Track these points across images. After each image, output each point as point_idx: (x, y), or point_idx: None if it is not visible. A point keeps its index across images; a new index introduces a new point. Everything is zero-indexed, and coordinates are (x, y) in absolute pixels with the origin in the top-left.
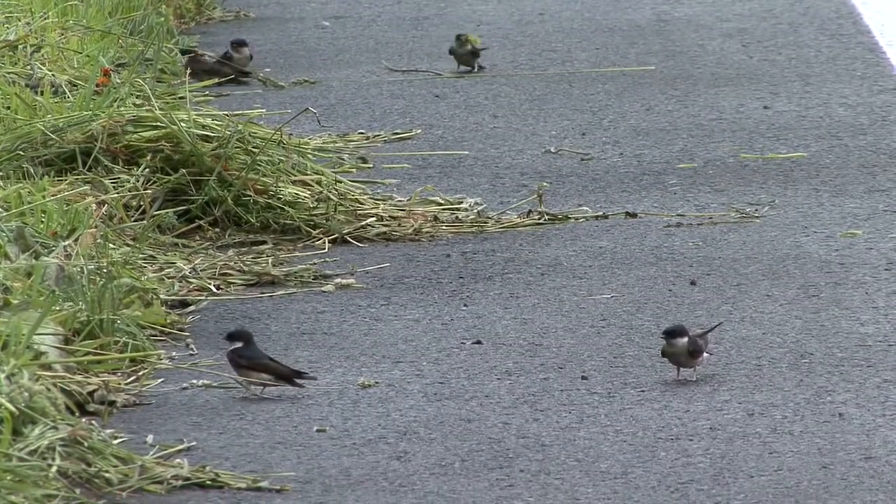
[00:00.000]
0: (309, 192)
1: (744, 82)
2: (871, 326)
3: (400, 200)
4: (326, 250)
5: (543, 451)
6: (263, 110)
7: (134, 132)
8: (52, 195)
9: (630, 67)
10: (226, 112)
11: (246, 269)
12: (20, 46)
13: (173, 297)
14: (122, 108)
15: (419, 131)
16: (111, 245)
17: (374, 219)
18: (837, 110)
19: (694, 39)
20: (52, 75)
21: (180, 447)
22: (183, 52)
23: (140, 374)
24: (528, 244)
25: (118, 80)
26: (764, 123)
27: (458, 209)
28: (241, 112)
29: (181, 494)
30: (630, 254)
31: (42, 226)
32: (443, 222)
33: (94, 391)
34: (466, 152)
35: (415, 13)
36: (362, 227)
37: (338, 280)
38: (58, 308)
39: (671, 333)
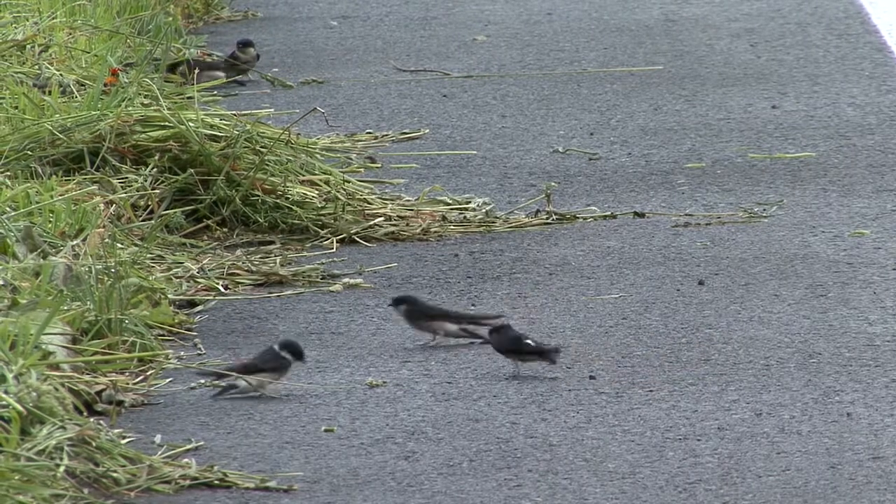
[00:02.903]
0: (317, 192)
1: (752, 82)
2: (880, 326)
3: (408, 200)
4: (334, 250)
5: (551, 451)
6: (272, 110)
7: (142, 132)
8: (60, 195)
9: (638, 67)
10: (234, 112)
11: (254, 268)
12: (28, 46)
13: (181, 297)
14: (130, 108)
15: (427, 131)
16: (119, 245)
17: (382, 218)
18: (846, 110)
19: (702, 39)
20: (60, 75)
21: (188, 447)
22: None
23: (148, 373)
24: (536, 244)
25: (126, 80)
26: (772, 123)
27: (466, 209)
28: (249, 112)
29: (189, 494)
30: (638, 253)
31: (50, 225)
32: (451, 222)
33: (101, 391)
34: (474, 152)
35: (423, 13)
36: (370, 226)
37: (346, 280)
38: (66, 308)
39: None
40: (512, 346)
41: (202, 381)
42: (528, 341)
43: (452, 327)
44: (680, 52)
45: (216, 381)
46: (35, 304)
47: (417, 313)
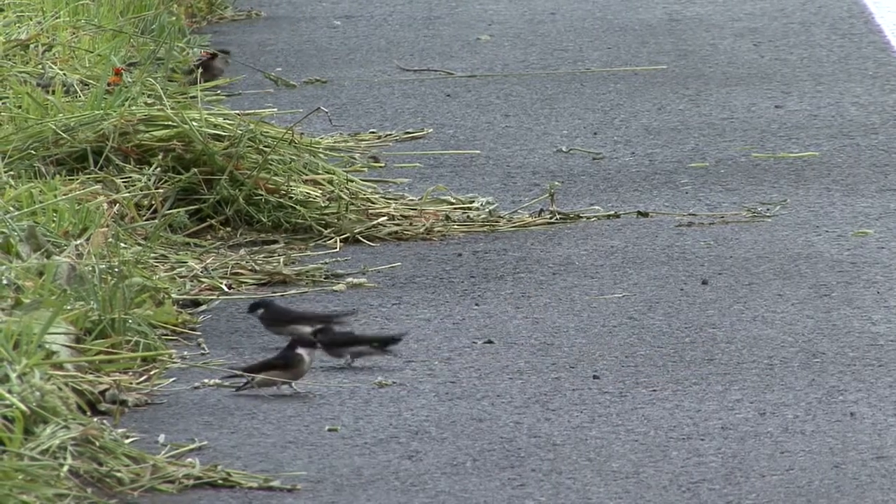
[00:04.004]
0: (320, 192)
1: (755, 81)
2: (883, 326)
3: (411, 200)
4: (338, 249)
5: (555, 451)
6: (275, 109)
7: (145, 131)
8: (64, 194)
9: (642, 67)
10: (237, 111)
11: (257, 268)
12: (32, 45)
13: (185, 297)
14: (134, 108)
15: (431, 130)
16: (122, 244)
17: (385, 218)
18: (849, 109)
19: (705, 39)
20: (64, 74)
21: (192, 446)
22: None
23: (151, 373)
24: (539, 243)
25: (130, 80)
26: (775, 123)
27: (469, 208)
28: (252, 111)
29: (193, 494)
30: (642, 253)
31: (53, 225)
32: (454, 221)
33: (105, 390)
34: (478, 151)
35: (426, 12)
36: (374, 226)
37: (349, 279)
38: (69, 307)
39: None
40: (342, 339)
41: (218, 380)
42: (359, 336)
43: (307, 330)
44: (683, 51)
45: (233, 381)
46: (38, 304)
47: (273, 318)
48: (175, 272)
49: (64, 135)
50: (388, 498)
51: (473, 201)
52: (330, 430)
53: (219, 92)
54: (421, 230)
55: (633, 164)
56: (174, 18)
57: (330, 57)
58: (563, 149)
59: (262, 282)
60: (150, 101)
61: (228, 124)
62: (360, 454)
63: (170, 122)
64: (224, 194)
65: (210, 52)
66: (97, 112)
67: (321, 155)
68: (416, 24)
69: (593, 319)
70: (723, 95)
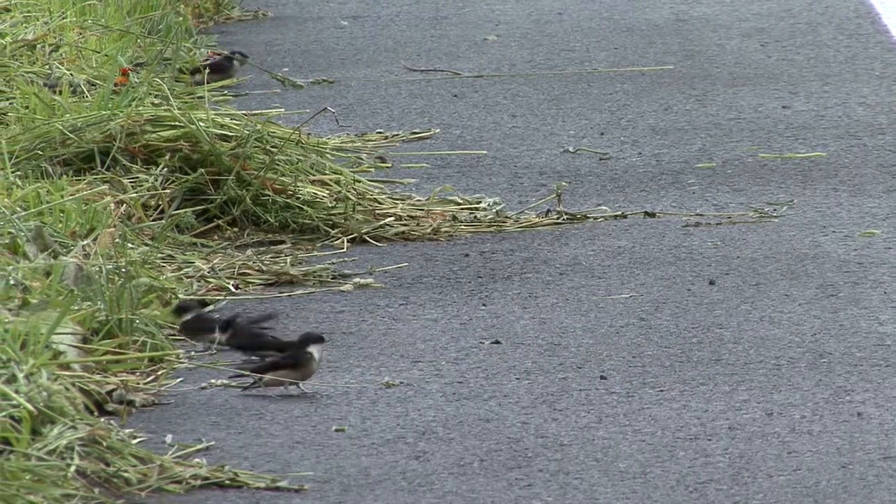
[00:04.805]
0: (327, 192)
1: (762, 82)
2: (890, 326)
3: (418, 200)
4: (345, 250)
5: (562, 451)
6: (282, 110)
7: (152, 132)
8: (71, 195)
9: (648, 67)
10: (244, 112)
11: (264, 268)
12: (39, 46)
13: (192, 297)
14: (141, 108)
15: (438, 131)
16: (129, 244)
17: (392, 218)
18: (856, 110)
19: (712, 39)
20: (71, 75)
21: (199, 447)
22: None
23: (159, 373)
24: (546, 244)
25: (137, 80)
26: (782, 123)
27: (476, 209)
28: (259, 112)
29: (200, 494)
30: (649, 253)
31: (61, 225)
32: (461, 222)
33: (112, 391)
34: (485, 152)
35: (433, 13)
36: (381, 226)
37: (356, 280)
38: (76, 307)
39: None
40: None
41: (225, 380)
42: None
43: (224, 338)
44: (690, 51)
45: (240, 381)
46: (46, 304)
47: (194, 325)
48: (182, 272)
49: (71, 135)
50: (396, 498)
51: (480, 202)
52: (337, 430)
53: (226, 92)
54: (428, 230)
55: (640, 164)
56: (181, 19)
57: (337, 57)
58: (570, 149)
59: (269, 282)
60: (157, 101)
61: (235, 124)
62: (368, 454)
63: (177, 123)
64: (231, 194)
65: (220, 52)
66: (104, 112)
67: (328, 155)
68: (423, 25)
69: (600, 320)
70: (730, 96)
